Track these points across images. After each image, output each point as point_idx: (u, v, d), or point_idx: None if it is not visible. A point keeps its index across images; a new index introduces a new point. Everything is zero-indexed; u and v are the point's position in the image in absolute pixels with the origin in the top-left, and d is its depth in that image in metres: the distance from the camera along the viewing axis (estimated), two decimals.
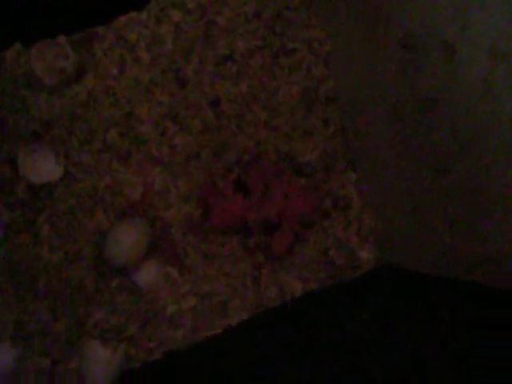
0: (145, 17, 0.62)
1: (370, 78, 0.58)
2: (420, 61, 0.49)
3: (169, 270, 0.62)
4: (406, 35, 0.49)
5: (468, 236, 0.51)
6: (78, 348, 0.58)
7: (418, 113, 0.52)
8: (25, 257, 0.59)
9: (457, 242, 0.53)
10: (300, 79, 0.65)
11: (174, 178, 0.62)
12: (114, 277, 0.61)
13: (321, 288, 0.64)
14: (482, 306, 0.48)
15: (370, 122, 0.61)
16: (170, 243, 0.62)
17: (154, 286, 0.61)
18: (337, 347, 0.54)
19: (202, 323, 0.62)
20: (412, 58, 0.51)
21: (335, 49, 0.63)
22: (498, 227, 0.48)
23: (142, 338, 0.60)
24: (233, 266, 0.63)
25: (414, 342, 0.48)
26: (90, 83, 0.61)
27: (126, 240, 0.57)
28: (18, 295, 0.59)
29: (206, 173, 0.62)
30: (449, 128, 0.49)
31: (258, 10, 0.63)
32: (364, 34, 0.56)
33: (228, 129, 0.63)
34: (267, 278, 0.64)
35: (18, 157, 0.59)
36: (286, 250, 0.62)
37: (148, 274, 0.61)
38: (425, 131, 0.53)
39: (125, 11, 0.62)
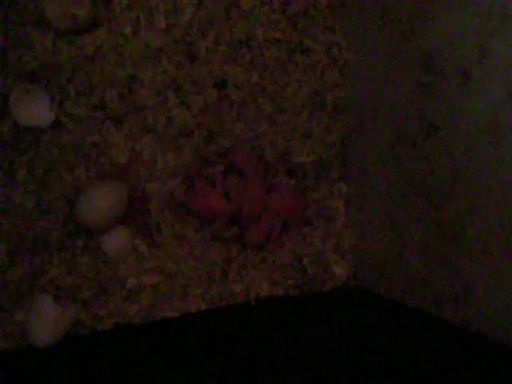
0: None
1: (382, 95, 0.57)
2: (435, 84, 0.48)
3: (137, 243, 0.60)
4: (426, 55, 0.48)
5: (441, 271, 0.50)
6: (28, 300, 0.56)
7: (420, 138, 0.51)
8: None
9: (430, 275, 0.51)
10: (311, 80, 0.64)
11: (164, 151, 0.61)
12: (81, 237, 0.59)
13: (287, 294, 0.62)
14: (442, 341, 0.47)
15: (372, 139, 0.60)
16: (145, 216, 0.61)
17: (119, 254, 0.59)
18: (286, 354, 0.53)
19: (160, 303, 0.60)
20: (428, 81, 0.50)
21: (354, 58, 0.62)
22: (472, 267, 0.46)
23: (95, 304, 0.58)
24: (204, 253, 0.62)
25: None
26: (100, 38, 0.59)
27: (101, 201, 0.56)
28: None
29: (197, 153, 0.61)
30: (446, 158, 0.48)
31: (284, 2, 0.62)
32: (387, 49, 0.55)
33: (228, 114, 0.62)
34: (236, 272, 0.62)
35: (11, 94, 0.58)
36: (259, 243, 0.61)
37: (115, 242, 0.59)
38: (422, 158, 0.51)
39: None
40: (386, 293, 0.57)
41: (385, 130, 0.57)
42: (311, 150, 0.64)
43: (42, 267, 0.57)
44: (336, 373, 0.50)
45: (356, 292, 0.61)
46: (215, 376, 0.51)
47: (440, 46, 0.48)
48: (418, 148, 0.51)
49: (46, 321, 0.54)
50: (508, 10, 0.41)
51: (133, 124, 0.60)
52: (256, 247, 0.62)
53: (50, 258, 0.58)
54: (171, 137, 0.61)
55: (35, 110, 0.58)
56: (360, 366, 0.50)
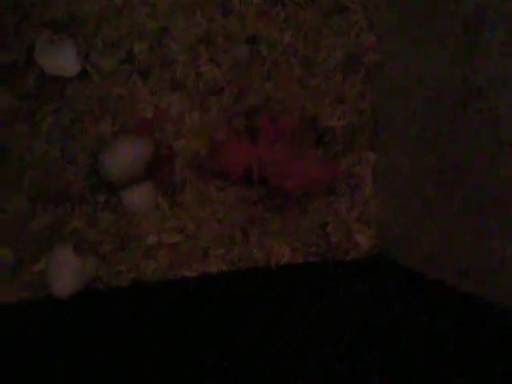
0: None
1: (421, 60, 0.55)
2: (482, 46, 0.45)
3: (160, 201, 0.59)
4: (475, 13, 0.45)
5: (469, 243, 0.48)
6: (48, 251, 0.55)
7: (460, 105, 0.49)
8: (17, 146, 0.56)
9: (456, 247, 0.50)
10: (346, 43, 0.61)
11: (191, 109, 0.59)
12: (103, 191, 0.58)
13: (308, 261, 0.61)
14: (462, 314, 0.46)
15: (406, 107, 0.58)
16: (169, 174, 0.59)
17: (140, 211, 0.58)
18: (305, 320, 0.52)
19: (179, 263, 0.59)
20: (474, 42, 0.47)
21: (392, 19, 0.59)
22: (503, 240, 0.45)
23: (114, 259, 0.58)
24: (226, 215, 0.61)
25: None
26: None
27: (125, 155, 0.55)
28: (2, 182, 0.56)
29: (224, 112, 0.59)
30: (488, 127, 0.46)
31: None
32: (427, 9, 0.52)
33: (259, 73, 0.60)
34: (257, 236, 0.61)
35: (37, 43, 0.56)
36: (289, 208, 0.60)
37: (138, 198, 0.58)
38: (460, 127, 0.49)
39: None
40: (410, 264, 0.56)
41: (420, 98, 0.55)
42: (342, 115, 0.62)
43: (64, 219, 0.57)
44: (353, 340, 0.49)
45: (379, 262, 0.60)
46: (230, 337, 0.51)
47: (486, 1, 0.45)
48: (457, 116, 0.48)
49: (66, 271, 0.53)
50: None
51: (160, 79, 0.59)
52: (277, 206, 0.61)
53: (72, 211, 0.57)
54: (199, 94, 0.59)
55: (61, 60, 0.57)
56: (377, 336, 0.49)
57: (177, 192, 0.60)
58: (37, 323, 0.52)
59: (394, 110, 0.60)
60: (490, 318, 0.44)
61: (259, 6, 0.59)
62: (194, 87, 0.59)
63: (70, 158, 0.57)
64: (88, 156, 0.57)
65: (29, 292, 0.55)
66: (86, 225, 0.57)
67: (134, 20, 0.58)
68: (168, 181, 0.60)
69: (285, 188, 0.59)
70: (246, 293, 0.57)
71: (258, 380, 0.47)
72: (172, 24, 0.57)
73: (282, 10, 0.60)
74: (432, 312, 0.48)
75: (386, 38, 0.61)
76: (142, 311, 0.55)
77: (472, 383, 0.41)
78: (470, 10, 0.46)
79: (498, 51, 0.44)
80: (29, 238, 0.56)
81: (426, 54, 0.54)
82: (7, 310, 0.53)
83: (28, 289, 0.55)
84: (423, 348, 0.44)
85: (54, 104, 0.57)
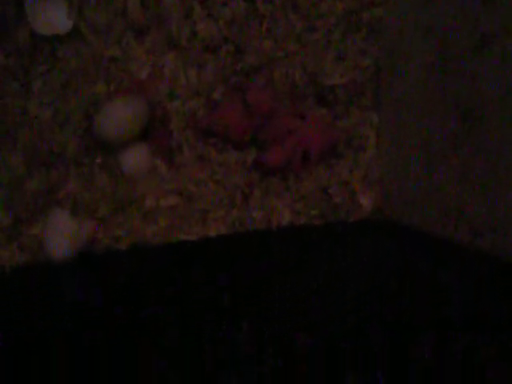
0: None
1: (426, 9, 0.52)
2: None
3: (157, 163, 0.58)
4: None
5: (479, 200, 0.47)
6: (45, 214, 0.55)
7: (469, 53, 0.47)
8: (10, 106, 0.55)
9: (466, 204, 0.48)
10: None
11: (187, 68, 0.57)
12: (99, 153, 0.57)
13: (309, 223, 0.60)
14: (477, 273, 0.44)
15: (411, 61, 0.55)
16: (166, 135, 0.58)
17: (137, 173, 0.57)
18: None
19: (178, 226, 0.58)
20: None
21: None
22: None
23: (112, 223, 0.57)
24: (225, 177, 0.59)
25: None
26: None
27: (120, 115, 0.53)
28: None
29: (221, 70, 0.58)
30: (497, 75, 0.44)
31: None
32: None
33: (257, 30, 0.58)
34: (257, 199, 0.60)
35: (27, 0, 0.55)
36: (277, 165, 0.58)
37: (135, 160, 0.57)
38: (468, 76, 0.47)
39: None
40: (416, 224, 0.54)
41: (427, 49, 0.52)
42: (344, 72, 0.60)
43: (59, 181, 0.56)
44: (355, 302, 0.48)
45: (382, 223, 0.58)
46: (229, 297, 0.50)
47: None
48: (465, 65, 0.46)
49: (63, 234, 0.53)
50: None
51: (155, 37, 0.57)
52: (273, 170, 0.59)
53: (67, 173, 0.56)
54: (195, 52, 0.57)
55: (53, 18, 0.55)
56: (386, 297, 0.48)
57: (174, 154, 0.59)
58: (34, 285, 0.51)
59: (399, 65, 0.58)
60: (495, 273, 0.43)
61: None
62: (189, 45, 0.57)
63: (63, 121, 0.56)
64: (82, 117, 0.56)
65: (26, 255, 0.54)
66: (82, 187, 0.56)
67: None
68: (165, 142, 0.58)
69: (282, 151, 0.58)
70: (245, 255, 0.56)
71: (256, 345, 0.47)
72: None
73: None
74: (436, 268, 0.47)
75: None
76: (141, 273, 0.54)
77: (477, 338, 0.40)
78: None
79: None
80: (25, 201, 0.55)
81: (434, 3, 0.52)
82: (4, 273, 0.53)
83: (25, 251, 0.55)
84: (427, 303, 0.43)
85: (45, 64, 0.55)
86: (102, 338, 0.47)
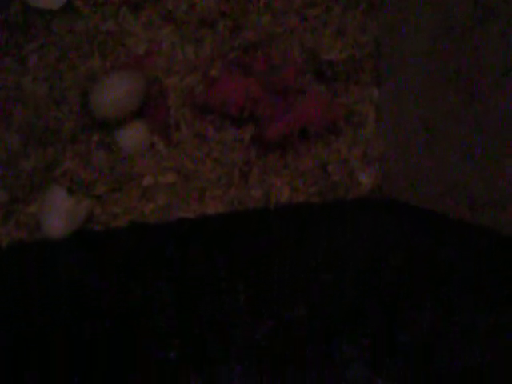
0: None
1: None
2: None
3: (155, 140, 0.57)
4: None
5: (480, 174, 0.46)
6: (41, 192, 0.54)
7: (470, 26, 0.46)
8: (4, 83, 0.54)
9: (466, 179, 0.48)
10: None
11: (184, 43, 0.57)
12: (96, 131, 0.56)
13: (308, 200, 0.60)
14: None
15: (411, 36, 0.55)
16: (164, 111, 0.57)
17: (135, 150, 0.56)
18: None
19: (176, 204, 0.58)
20: None
21: None
22: None
23: (110, 200, 0.56)
24: (223, 154, 0.59)
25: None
26: None
27: (117, 90, 0.52)
28: None
29: (220, 46, 0.57)
30: (499, 47, 0.43)
31: None
32: None
33: (256, 4, 0.57)
34: (256, 176, 0.60)
35: None
36: (278, 140, 0.57)
37: (132, 136, 0.56)
38: (470, 49, 0.47)
39: None
40: (416, 201, 0.54)
41: (427, 24, 0.52)
42: (343, 48, 0.59)
43: (56, 159, 0.55)
44: (354, 280, 0.48)
45: (382, 201, 0.58)
46: (227, 276, 0.50)
47: None
48: (467, 38, 0.46)
49: (60, 212, 0.52)
50: None
51: (151, 11, 0.56)
52: (272, 145, 0.59)
53: (63, 151, 0.55)
54: (192, 26, 0.56)
55: None
56: (385, 274, 0.48)
57: (172, 131, 0.58)
58: (31, 264, 0.51)
59: (399, 41, 0.57)
60: (495, 248, 0.43)
61: None
62: (186, 19, 0.56)
63: (59, 97, 0.55)
64: (78, 94, 0.55)
65: (23, 232, 0.54)
66: (79, 165, 0.55)
67: None
68: (162, 120, 0.57)
69: (281, 126, 0.57)
70: (243, 233, 0.55)
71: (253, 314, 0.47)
72: None
73: None
74: (436, 245, 0.47)
75: None
76: (139, 251, 0.54)
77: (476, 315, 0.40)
78: None
79: None
80: (21, 178, 0.54)
81: None
82: (0, 251, 0.53)
83: (22, 230, 0.54)
84: (427, 279, 0.43)
85: (39, 39, 0.54)
86: (99, 324, 0.47)
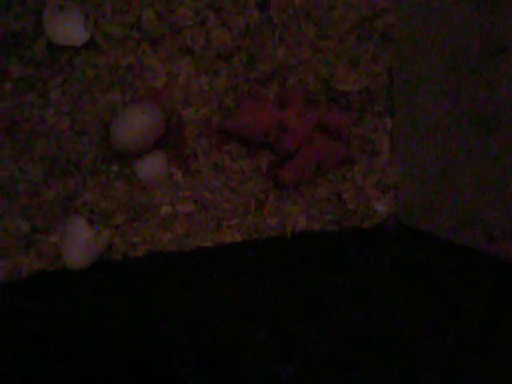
0: None
1: (438, 18, 0.53)
2: None
3: (173, 170, 0.59)
4: None
5: (497, 205, 0.46)
6: (62, 222, 0.55)
7: (482, 61, 0.47)
8: (28, 116, 0.56)
9: (483, 210, 0.48)
10: (360, 4, 0.59)
11: (199, 74, 0.58)
12: (115, 162, 0.57)
13: (324, 229, 0.60)
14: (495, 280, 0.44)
15: (424, 69, 0.56)
16: (182, 142, 0.59)
17: (153, 181, 0.58)
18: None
19: (194, 233, 0.59)
20: None
21: None
22: None
23: (129, 230, 0.57)
24: (240, 184, 0.60)
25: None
26: None
27: (136, 123, 0.54)
28: (14, 153, 0.56)
29: (234, 78, 0.58)
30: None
31: None
32: None
33: (270, 38, 0.58)
34: (272, 205, 0.60)
35: (45, 11, 0.55)
36: (291, 183, 0.58)
37: (151, 167, 0.57)
38: (483, 84, 0.47)
39: None
40: (431, 230, 0.54)
41: (440, 58, 0.53)
42: (357, 78, 0.60)
43: (76, 190, 0.56)
44: (373, 306, 0.48)
45: (398, 229, 0.58)
46: (244, 305, 0.50)
47: None
48: (479, 73, 0.46)
49: (79, 243, 0.53)
50: None
51: (170, 46, 0.58)
52: (288, 186, 0.60)
53: (84, 182, 0.57)
54: (208, 59, 0.58)
55: (70, 29, 0.56)
56: (400, 304, 0.48)
57: (190, 161, 0.59)
58: (51, 295, 0.52)
59: (413, 72, 0.58)
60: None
61: None
62: (203, 53, 0.58)
63: (81, 130, 0.57)
64: (99, 126, 0.57)
65: (43, 263, 0.55)
66: (99, 196, 0.57)
67: None
68: (181, 150, 0.59)
69: (297, 166, 0.58)
70: (259, 262, 0.56)
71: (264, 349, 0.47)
72: None
73: None
74: (452, 275, 0.47)
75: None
76: (157, 281, 0.55)
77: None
78: None
79: None
80: (43, 209, 0.55)
81: (446, 10, 0.52)
82: (21, 281, 0.54)
83: (42, 260, 0.55)
84: (441, 311, 0.43)
85: (62, 75, 0.56)
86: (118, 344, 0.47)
